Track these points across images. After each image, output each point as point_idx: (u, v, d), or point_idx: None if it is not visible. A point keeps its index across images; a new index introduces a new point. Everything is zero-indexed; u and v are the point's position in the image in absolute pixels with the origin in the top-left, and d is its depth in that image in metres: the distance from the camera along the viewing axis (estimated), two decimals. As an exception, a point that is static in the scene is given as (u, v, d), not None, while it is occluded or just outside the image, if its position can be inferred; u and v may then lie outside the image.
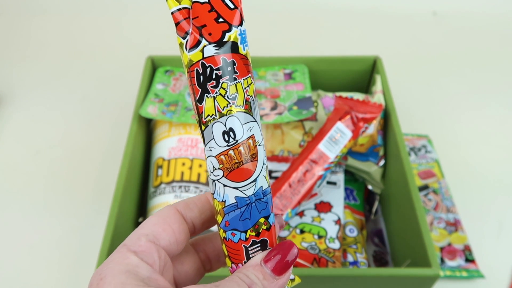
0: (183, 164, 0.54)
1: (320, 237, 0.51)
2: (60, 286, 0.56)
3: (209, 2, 0.22)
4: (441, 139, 0.71)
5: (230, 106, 0.22)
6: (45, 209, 0.63)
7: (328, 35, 0.92)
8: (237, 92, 0.22)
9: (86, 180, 0.66)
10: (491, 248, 0.59)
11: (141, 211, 0.57)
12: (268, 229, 0.24)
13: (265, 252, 0.24)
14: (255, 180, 0.23)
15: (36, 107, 0.77)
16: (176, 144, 0.56)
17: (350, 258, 0.51)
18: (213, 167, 0.23)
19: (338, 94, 0.61)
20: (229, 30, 0.22)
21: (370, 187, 0.59)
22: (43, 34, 0.92)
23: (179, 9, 0.23)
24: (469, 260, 0.56)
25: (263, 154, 0.24)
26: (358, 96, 0.61)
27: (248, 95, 0.23)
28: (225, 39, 0.22)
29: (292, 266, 0.24)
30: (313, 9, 0.98)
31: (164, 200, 0.53)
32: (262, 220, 0.24)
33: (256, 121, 0.23)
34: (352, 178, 0.60)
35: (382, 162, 0.58)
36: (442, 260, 0.56)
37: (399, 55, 0.86)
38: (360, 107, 0.55)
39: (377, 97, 0.59)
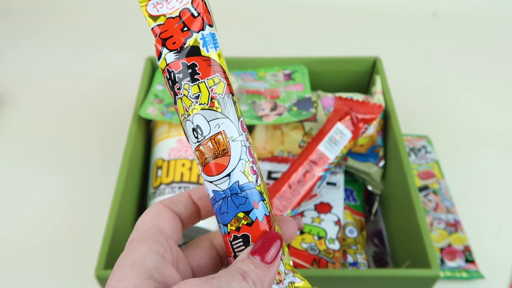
0: (183, 165, 0.54)
1: (320, 238, 0.51)
2: (60, 287, 0.56)
3: (179, 15, 0.25)
4: (441, 140, 0.71)
5: (194, 105, 0.24)
6: (45, 210, 0.63)
7: (328, 35, 0.92)
8: (200, 92, 0.24)
9: (86, 181, 0.66)
10: (491, 249, 0.59)
11: (141, 211, 0.57)
12: (249, 224, 0.25)
13: (250, 247, 0.24)
14: (229, 175, 0.24)
15: (36, 108, 0.77)
16: (175, 145, 0.56)
17: (350, 259, 0.51)
18: (196, 161, 0.25)
19: (338, 94, 0.61)
20: (190, 36, 0.25)
21: (370, 187, 0.59)
22: (43, 34, 0.92)
23: (156, 25, 0.25)
24: (469, 260, 0.56)
25: (240, 150, 0.24)
26: (358, 96, 0.61)
27: (214, 93, 0.24)
28: (186, 45, 0.25)
29: (280, 252, 0.24)
30: (313, 9, 0.98)
31: (164, 201, 0.53)
32: (241, 214, 0.24)
33: (227, 117, 0.24)
34: (352, 179, 0.60)
35: (382, 163, 0.58)
36: (442, 261, 0.56)
37: (399, 55, 0.86)
38: (360, 108, 0.55)
39: (377, 98, 0.59)
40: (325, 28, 0.94)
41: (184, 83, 0.24)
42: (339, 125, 0.53)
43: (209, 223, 0.52)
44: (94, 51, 0.88)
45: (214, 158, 0.24)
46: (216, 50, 0.25)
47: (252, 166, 0.25)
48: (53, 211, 0.63)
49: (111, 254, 0.45)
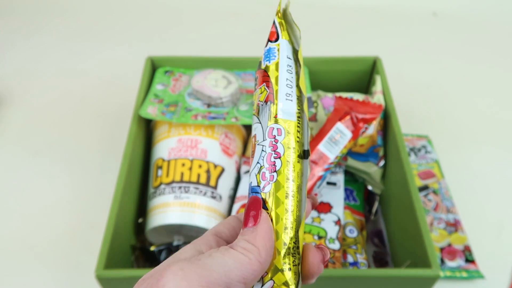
0: (183, 164, 0.54)
1: (320, 237, 0.51)
2: (60, 287, 0.56)
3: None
4: (441, 140, 0.71)
5: (253, 108, 0.29)
6: (44, 209, 0.63)
7: (328, 35, 0.92)
8: (254, 100, 0.28)
9: (86, 181, 0.66)
10: (491, 249, 0.59)
11: (141, 211, 0.57)
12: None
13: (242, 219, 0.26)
14: (249, 173, 0.27)
15: (36, 107, 0.77)
16: (175, 144, 0.56)
17: (350, 259, 0.51)
18: None
19: (338, 94, 0.61)
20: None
21: (370, 187, 0.59)
22: (44, 34, 0.92)
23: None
24: (469, 260, 0.56)
25: (259, 154, 0.26)
26: (358, 96, 0.61)
27: (259, 101, 0.27)
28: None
29: (260, 212, 0.25)
30: (313, 9, 0.98)
31: (164, 201, 0.53)
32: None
33: (260, 123, 0.27)
34: (352, 179, 0.60)
35: (382, 163, 0.58)
36: (442, 261, 0.56)
37: (399, 55, 0.86)
38: (360, 108, 0.55)
39: (377, 98, 0.59)
40: (325, 28, 0.94)
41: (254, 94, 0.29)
42: (339, 125, 0.53)
43: (209, 223, 0.52)
44: (94, 51, 0.88)
45: (251, 155, 0.27)
46: (270, 62, 0.28)
47: (265, 172, 0.26)
48: (53, 211, 0.63)
49: (111, 254, 0.45)
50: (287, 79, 0.27)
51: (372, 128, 0.56)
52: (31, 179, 0.67)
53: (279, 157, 0.25)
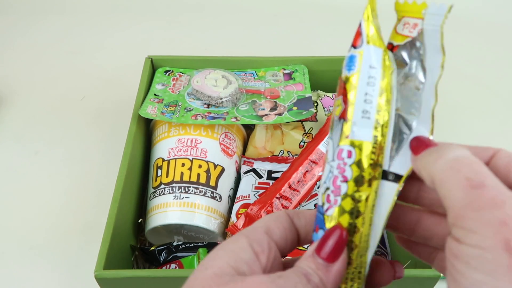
0: (183, 164, 0.54)
1: (320, 237, 0.50)
2: (59, 287, 0.56)
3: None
4: (441, 140, 0.70)
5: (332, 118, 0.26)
6: (44, 209, 0.63)
7: (328, 35, 0.92)
8: (333, 108, 0.26)
9: (86, 181, 0.66)
10: (492, 249, 0.59)
11: (141, 211, 0.57)
12: (311, 240, 0.26)
13: (317, 242, 0.24)
14: (319, 190, 0.25)
15: (36, 107, 0.77)
16: (175, 144, 0.55)
17: (350, 259, 0.51)
18: None
19: (338, 94, 0.61)
20: None
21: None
22: (43, 34, 0.92)
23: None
24: (469, 260, 0.56)
25: (327, 174, 0.25)
26: (358, 96, 0.61)
27: (334, 114, 0.25)
28: None
29: (344, 250, 0.24)
30: (313, 9, 0.98)
31: (164, 201, 0.52)
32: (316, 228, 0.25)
33: (331, 140, 0.25)
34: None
35: (382, 163, 0.58)
36: (442, 261, 0.56)
37: (399, 55, 0.86)
38: (360, 108, 0.54)
39: (377, 98, 0.59)
40: (325, 28, 0.94)
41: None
42: (339, 125, 0.53)
43: (209, 223, 0.52)
44: (94, 51, 0.88)
45: (322, 170, 0.25)
46: (349, 72, 0.24)
47: (329, 195, 0.24)
48: (53, 211, 0.62)
49: (111, 254, 0.45)
50: (366, 93, 0.24)
51: (372, 128, 0.56)
52: (31, 179, 0.66)
53: (346, 181, 0.24)
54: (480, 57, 0.87)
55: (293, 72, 0.64)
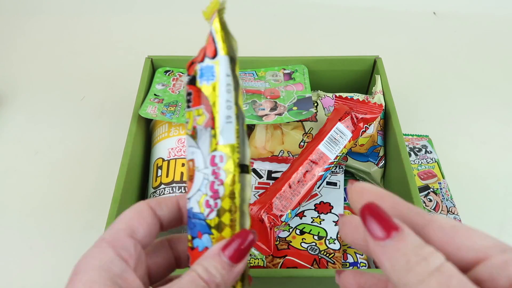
0: (183, 164, 0.54)
1: (320, 238, 0.50)
2: (58, 287, 0.56)
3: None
4: (441, 140, 0.71)
5: (186, 127, 0.27)
6: (44, 210, 0.63)
7: (328, 35, 0.92)
8: (189, 118, 0.26)
9: (86, 181, 0.66)
10: (491, 249, 0.59)
11: (141, 211, 0.57)
12: (191, 248, 0.26)
13: (224, 241, 0.25)
14: (189, 198, 0.26)
15: (36, 107, 0.77)
16: (175, 144, 0.55)
17: (350, 259, 0.51)
18: None
19: (338, 94, 0.61)
20: (196, 65, 0.26)
21: (370, 187, 0.59)
22: (43, 34, 0.92)
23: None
24: (469, 260, 0.56)
25: (200, 181, 0.26)
26: (358, 96, 0.61)
27: (196, 123, 0.26)
28: (193, 73, 0.26)
29: (248, 253, 0.25)
30: (313, 9, 0.98)
31: (164, 201, 0.52)
32: (189, 236, 0.26)
33: (199, 148, 0.26)
34: (352, 179, 0.60)
35: (382, 163, 0.58)
36: (442, 261, 0.56)
37: (399, 55, 0.86)
38: (360, 108, 0.55)
39: (377, 98, 0.59)
40: (325, 28, 0.94)
41: (185, 107, 0.26)
42: (339, 125, 0.53)
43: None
44: (94, 51, 0.88)
45: (189, 179, 0.26)
46: (208, 83, 0.25)
47: (208, 200, 0.26)
48: (53, 211, 0.62)
49: (111, 254, 0.45)
50: (227, 100, 0.25)
51: (372, 128, 0.56)
52: (30, 179, 0.67)
53: (222, 184, 0.25)
54: (480, 57, 0.87)
55: (293, 72, 0.64)
